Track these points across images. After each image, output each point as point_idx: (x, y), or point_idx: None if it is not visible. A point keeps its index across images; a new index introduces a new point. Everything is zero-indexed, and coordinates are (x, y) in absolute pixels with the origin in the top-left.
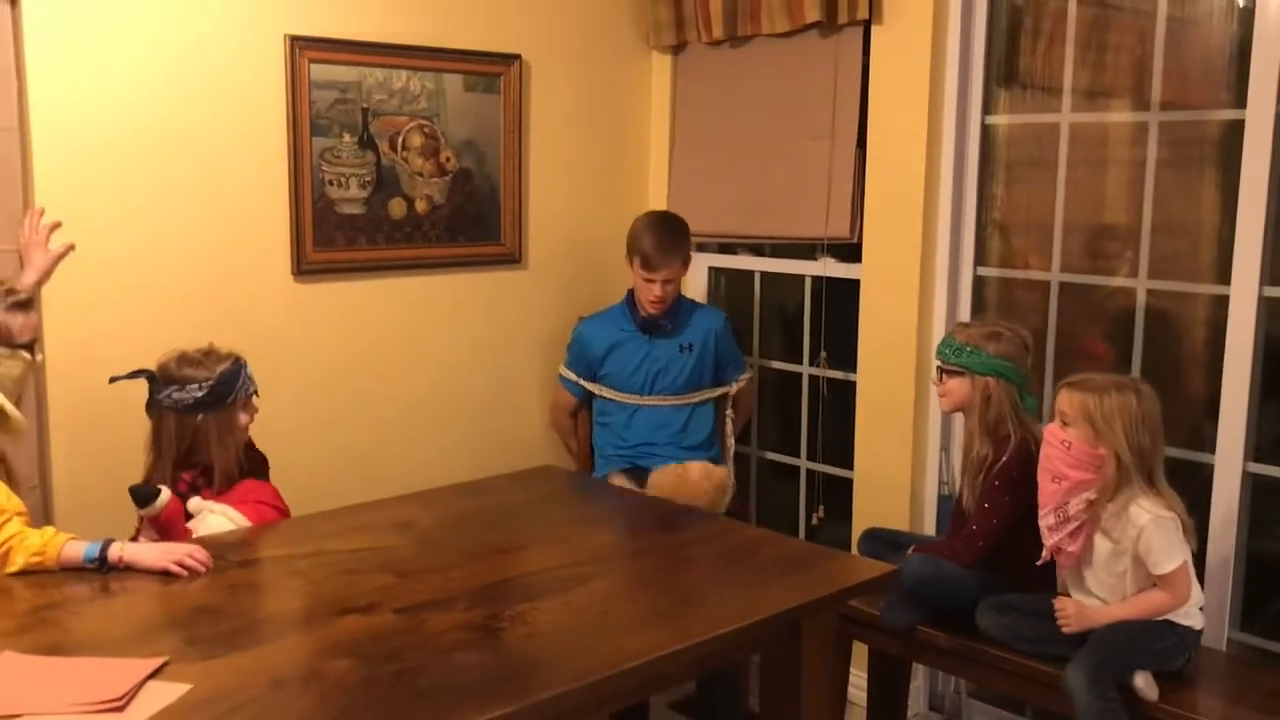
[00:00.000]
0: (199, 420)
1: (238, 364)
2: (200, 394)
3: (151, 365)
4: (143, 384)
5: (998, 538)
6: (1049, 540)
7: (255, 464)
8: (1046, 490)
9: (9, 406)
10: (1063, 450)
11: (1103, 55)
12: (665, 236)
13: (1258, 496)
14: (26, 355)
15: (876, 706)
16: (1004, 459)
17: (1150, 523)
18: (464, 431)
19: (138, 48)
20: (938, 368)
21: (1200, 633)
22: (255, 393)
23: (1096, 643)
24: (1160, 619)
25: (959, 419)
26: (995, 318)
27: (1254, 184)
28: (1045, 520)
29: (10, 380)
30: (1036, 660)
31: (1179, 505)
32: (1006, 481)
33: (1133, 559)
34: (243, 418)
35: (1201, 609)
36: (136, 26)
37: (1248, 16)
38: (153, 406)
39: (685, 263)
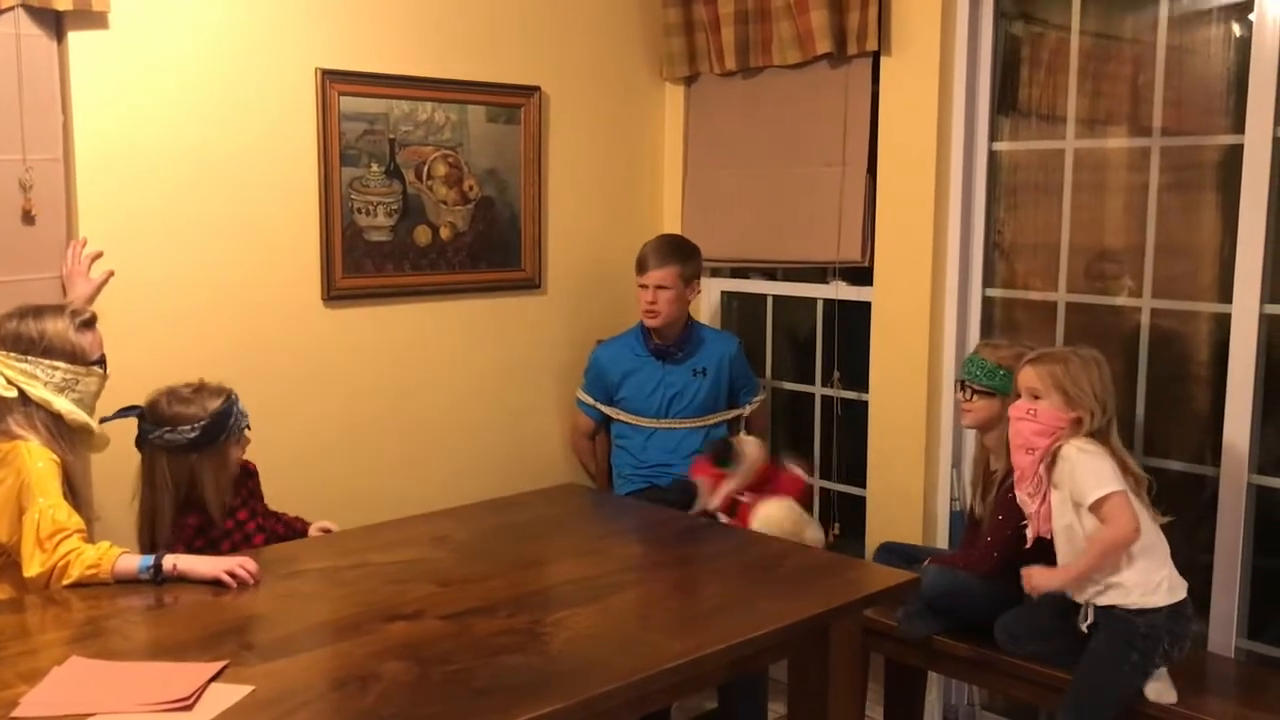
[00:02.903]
0: (193, 459)
1: (229, 401)
2: (193, 435)
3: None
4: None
5: (1012, 548)
6: (1029, 509)
7: (248, 481)
8: (1021, 464)
9: (94, 423)
10: (1030, 420)
11: (1105, 84)
12: (661, 244)
13: (1262, 508)
14: (99, 370)
15: (892, 717)
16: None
17: (1074, 453)
18: (486, 451)
19: (176, 82)
20: (965, 385)
21: (1177, 607)
22: (247, 426)
23: (1074, 690)
24: (1126, 630)
25: (970, 434)
26: (1013, 338)
27: (1253, 206)
28: (1024, 490)
29: (90, 396)
30: (1052, 667)
31: (1125, 459)
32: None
33: (1074, 506)
34: (235, 453)
35: (1169, 586)
36: (175, 61)
37: (1244, 45)
38: (144, 444)
39: (685, 278)
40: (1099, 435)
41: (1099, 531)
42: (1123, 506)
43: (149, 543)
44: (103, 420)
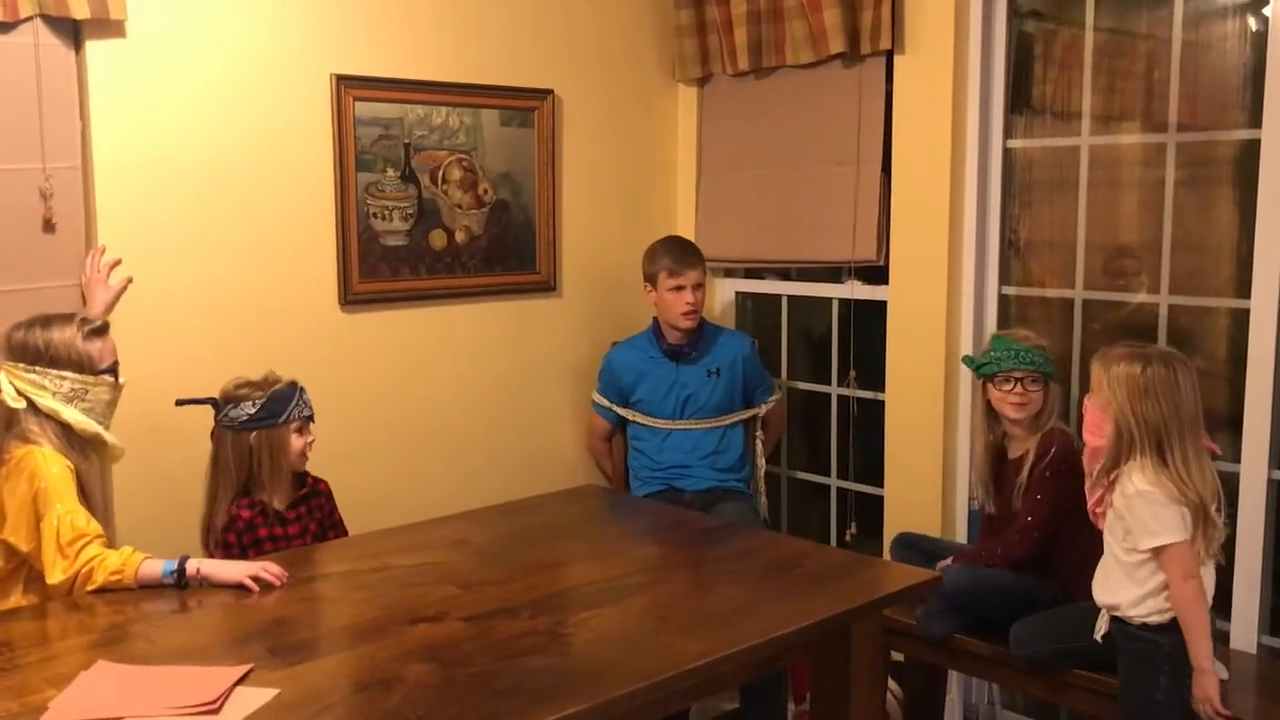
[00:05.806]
0: (252, 439)
1: (292, 386)
2: (253, 410)
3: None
4: (202, 413)
5: (1051, 526)
6: (1090, 499)
7: (315, 491)
8: (1084, 455)
9: (107, 434)
10: (1085, 416)
11: (1120, 80)
12: (683, 245)
13: None
14: (111, 379)
15: (913, 716)
16: (1053, 451)
17: (1135, 496)
18: (503, 453)
19: (193, 89)
20: (1014, 377)
21: None
22: (311, 418)
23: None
24: (1148, 650)
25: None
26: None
27: (1271, 200)
28: (1091, 477)
29: (102, 405)
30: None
31: (1196, 487)
32: (1057, 473)
33: (1125, 531)
34: (296, 441)
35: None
36: (192, 69)
37: (1260, 40)
38: (214, 432)
39: (705, 276)
40: (1159, 455)
41: (1173, 598)
42: (1180, 556)
43: (206, 529)
44: (178, 403)
